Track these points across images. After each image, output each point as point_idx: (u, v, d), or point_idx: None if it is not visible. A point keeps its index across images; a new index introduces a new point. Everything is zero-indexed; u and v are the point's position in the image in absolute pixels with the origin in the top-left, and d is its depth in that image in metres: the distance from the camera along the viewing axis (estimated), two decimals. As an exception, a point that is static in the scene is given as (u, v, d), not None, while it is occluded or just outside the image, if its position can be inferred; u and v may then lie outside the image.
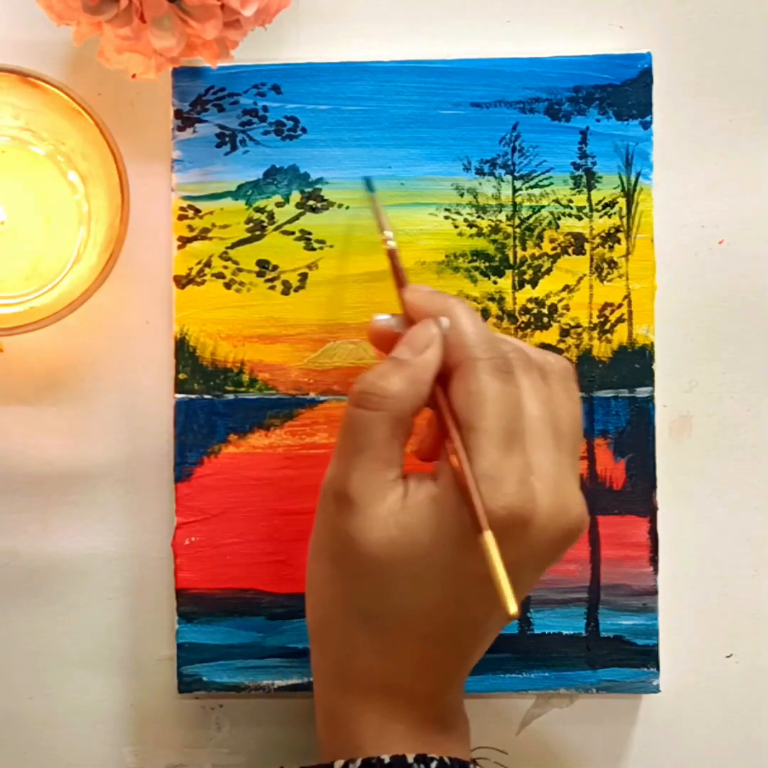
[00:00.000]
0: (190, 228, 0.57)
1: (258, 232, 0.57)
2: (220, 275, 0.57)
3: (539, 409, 0.48)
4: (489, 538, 0.45)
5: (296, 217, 0.57)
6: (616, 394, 0.57)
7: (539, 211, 0.57)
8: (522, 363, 0.48)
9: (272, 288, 0.57)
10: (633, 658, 0.57)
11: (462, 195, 0.57)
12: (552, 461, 0.47)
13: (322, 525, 0.49)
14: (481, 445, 0.46)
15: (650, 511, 0.57)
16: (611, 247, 0.57)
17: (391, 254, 0.53)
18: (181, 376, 0.57)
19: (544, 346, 0.57)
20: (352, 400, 0.48)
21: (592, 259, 0.57)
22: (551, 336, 0.57)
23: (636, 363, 0.57)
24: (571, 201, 0.57)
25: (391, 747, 0.48)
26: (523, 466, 0.46)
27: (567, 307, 0.57)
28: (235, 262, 0.57)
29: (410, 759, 0.47)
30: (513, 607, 0.44)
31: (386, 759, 0.47)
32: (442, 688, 0.50)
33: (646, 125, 0.57)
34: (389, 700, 0.49)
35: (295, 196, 0.57)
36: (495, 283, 0.57)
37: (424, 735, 0.49)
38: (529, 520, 0.46)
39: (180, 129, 0.57)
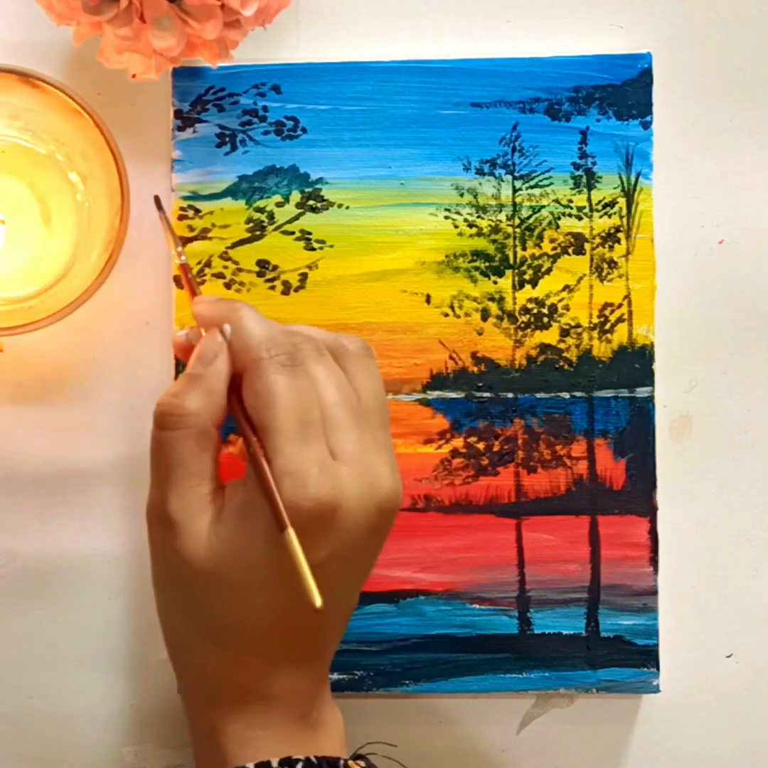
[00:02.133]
0: (190, 228, 0.57)
1: (258, 232, 0.57)
2: (220, 275, 0.57)
3: (335, 394, 0.48)
4: (289, 534, 0.45)
5: (296, 217, 0.57)
6: (616, 394, 0.57)
7: (539, 211, 0.57)
8: (312, 352, 0.49)
9: (272, 288, 0.57)
10: (633, 658, 0.57)
11: (462, 195, 0.57)
12: (354, 443, 0.48)
13: (154, 551, 0.50)
14: (277, 443, 0.47)
15: (650, 511, 0.57)
16: (611, 247, 0.57)
17: (183, 268, 0.54)
18: (181, 376, 0.57)
19: (544, 346, 0.57)
20: (154, 423, 0.49)
21: (592, 259, 0.57)
22: (551, 336, 0.57)
23: (636, 363, 0.57)
24: (571, 201, 0.57)
25: (257, 754, 0.48)
26: (323, 454, 0.47)
27: (567, 307, 0.57)
28: (235, 262, 0.57)
29: (274, 763, 0.48)
30: (318, 600, 0.44)
31: (250, 766, 0.47)
32: (299, 687, 0.50)
33: (646, 125, 0.57)
34: (250, 707, 0.49)
35: (295, 196, 0.57)
36: (495, 283, 0.57)
37: (289, 736, 0.49)
38: (338, 506, 0.47)
39: (180, 129, 0.57)
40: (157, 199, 0.54)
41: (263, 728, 0.49)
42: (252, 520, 0.47)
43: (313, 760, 0.48)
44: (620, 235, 0.57)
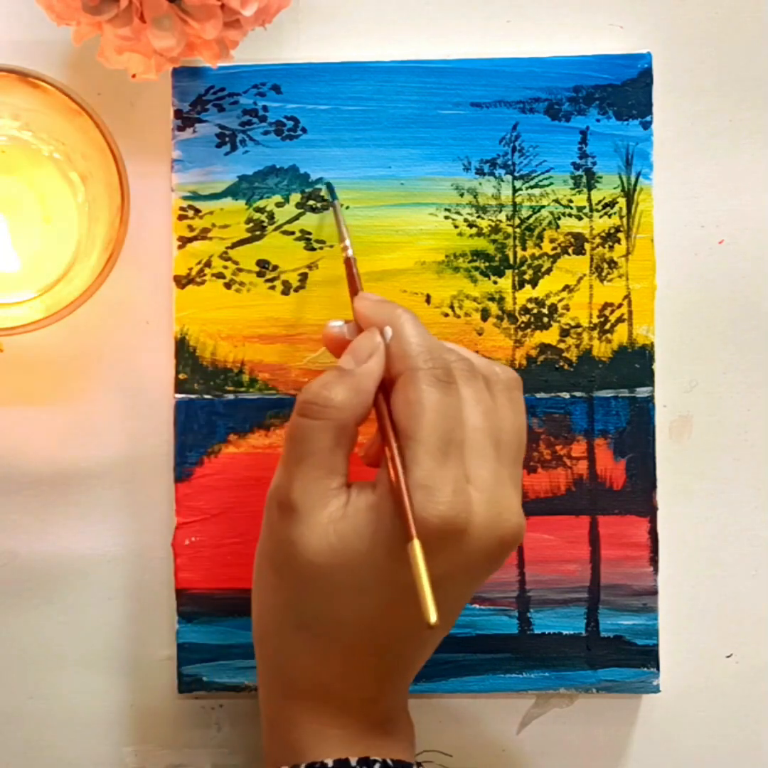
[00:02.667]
0: (190, 228, 0.57)
1: (258, 232, 0.57)
2: (220, 275, 0.57)
3: (480, 419, 0.48)
4: (415, 546, 0.45)
5: (296, 217, 0.57)
6: (616, 394, 0.57)
7: (539, 211, 0.57)
8: (466, 373, 0.49)
9: (272, 288, 0.57)
10: (633, 658, 0.57)
11: (462, 195, 0.57)
12: (490, 471, 0.48)
13: (267, 533, 0.50)
14: (417, 454, 0.46)
15: (650, 511, 0.57)
16: (611, 247, 0.57)
17: (348, 263, 0.54)
18: (181, 376, 0.57)
19: (544, 346, 0.57)
20: (296, 409, 0.49)
21: (592, 259, 0.57)
22: (551, 336, 0.57)
23: (636, 363, 0.57)
24: (571, 201, 0.57)
25: (333, 751, 0.48)
26: (459, 475, 0.47)
27: (567, 307, 0.57)
28: (235, 262, 0.57)
29: (353, 762, 0.48)
30: (433, 617, 0.44)
31: (329, 763, 0.48)
32: (382, 695, 0.50)
33: (646, 125, 0.57)
34: (329, 705, 0.49)
35: (295, 196, 0.57)
36: (495, 283, 0.57)
37: (365, 739, 0.49)
38: (464, 529, 0.46)
39: (180, 129, 0.57)
40: (329, 187, 0.55)
41: (341, 727, 0.49)
42: (376, 524, 0.47)
43: (390, 763, 0.48)
44: (620, 235, 0.57)
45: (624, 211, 0.57)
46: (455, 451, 0.47)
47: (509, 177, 0.57)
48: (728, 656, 0.58)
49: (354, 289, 0.53)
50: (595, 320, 0.57)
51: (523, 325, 0.57)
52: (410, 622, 0.46)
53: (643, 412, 0.57)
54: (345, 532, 0.47)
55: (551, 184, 0.57)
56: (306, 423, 0.48)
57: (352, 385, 0.48)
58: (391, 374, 0.49)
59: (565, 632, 0.57)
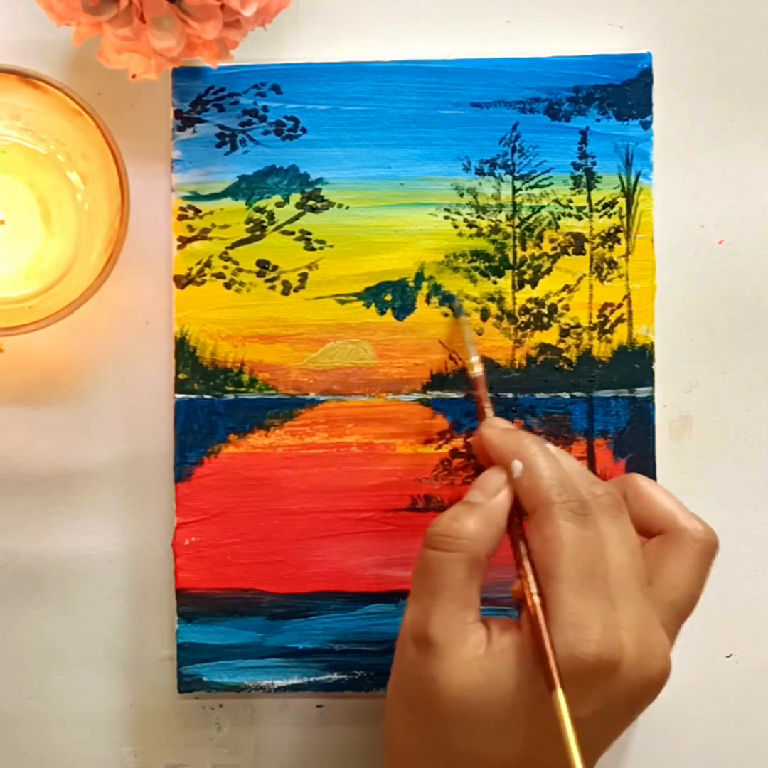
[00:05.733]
0: (190, 228, 0.57)
1: (258, 232, 0.57)
2: (220, 275, 0.57)
3: (626, 557, 0.47)
4: (559, 697, 0.44)
5: (296, 217, 0.57)
6: (616, 394, 0.57)
7: (539, 211, 0.57)
8: (611, 508, 0.48)
9: (272, 288, 0.57)
10: (633, 658, 0.57)
11: (462, 195, 0.57)
12: (637, 612, 0.47)
13: (401, 670, 0.49)
14: (560, 592, 0.46)
15: (650, 511, 0.57)
16: (611, 247, 0.57)
17: (476, 383, 0.54)
18: (181, 376, 0.57)
19: (544, 346, 0.57)
20: (426, 542, 0.48)
21: (592, 259, 0.57)
22: (551, 336, 0.57)
23: (636, 363, 0.57)
24: (571, 201, 0.57)
25: None
26: (606, 611, 0.46)
27: (567, 307, 0.57)
28: (235, 262, 0.57)
29: None
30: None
31: None
32: None
33: (646, 125, 0.57)
34: None
35: (295, 196, 0.57)
36: (495, 283, 0.57)
37: None
38: (615, 668, 0.46)
39: (180, 129, 0.57)
40: (453, 307, 0.56)
41: None
42: (523, 664, 0.46)
43: None
44: (620, 235, 0.57)
45: (624, 211, 0.57)
46: (599, 586, 0.46)
47: (509, 177, 0.57)
48: (728, 656, 0.58)
49: (481, 413, 0.52)
50: (595, 320, 0.57)
51: (522, 325, 0.57)
52: (556, 761, 0.45)
53: (643, 412, 0.57)
54: (493, 670, 0.46)
55: (551, 184, 0.57)
56: (438, 555, 0.48)
57: (483, 516, 0.48)
58: (525, 509, 0.48)
59: (565, 632, 0.57)
